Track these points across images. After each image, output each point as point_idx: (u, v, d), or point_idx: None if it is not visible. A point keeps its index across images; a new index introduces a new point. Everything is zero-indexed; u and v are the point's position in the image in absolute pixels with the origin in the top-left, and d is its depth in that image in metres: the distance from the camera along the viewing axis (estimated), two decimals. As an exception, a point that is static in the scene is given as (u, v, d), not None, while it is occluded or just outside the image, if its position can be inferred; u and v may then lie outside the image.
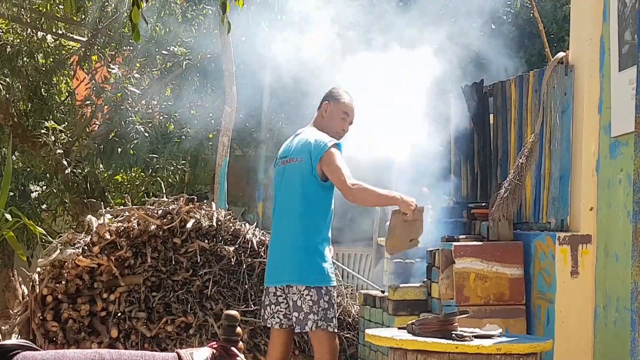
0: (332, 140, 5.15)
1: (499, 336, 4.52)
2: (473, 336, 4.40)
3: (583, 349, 5.24)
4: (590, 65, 5.39)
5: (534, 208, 5.72)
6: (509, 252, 5.47)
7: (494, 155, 6.27)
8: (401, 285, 5.97)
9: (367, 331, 4.80)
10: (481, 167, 6.39)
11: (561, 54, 5.61)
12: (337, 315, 5.22)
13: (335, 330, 5.16)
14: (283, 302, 5.21)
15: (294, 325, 5.13)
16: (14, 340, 2.46)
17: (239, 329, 2.63)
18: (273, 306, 5.23)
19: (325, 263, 5.14)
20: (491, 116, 6.40)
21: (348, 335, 6.90)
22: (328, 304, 5.08)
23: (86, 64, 11.45)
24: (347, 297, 7.18)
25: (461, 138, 6.65)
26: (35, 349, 2.47)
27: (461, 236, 5.72)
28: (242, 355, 2.58)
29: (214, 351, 2.56)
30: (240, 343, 2.63)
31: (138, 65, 11.31)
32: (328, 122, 5.28)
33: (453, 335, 4.37)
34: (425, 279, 5.98)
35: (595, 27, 5.37)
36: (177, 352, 2.52)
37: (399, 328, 4.81)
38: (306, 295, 5.09)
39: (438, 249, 5.69)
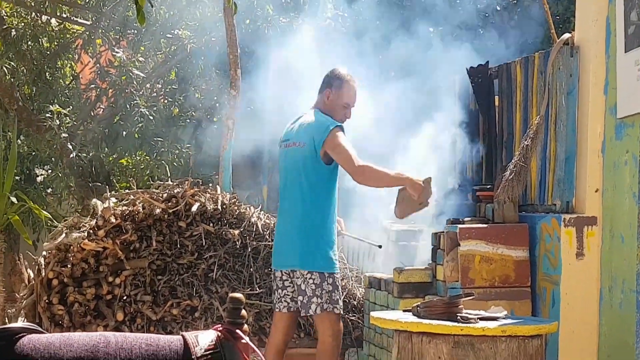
0: (335, 122, 5.14)
1: (504, 318, 4.52)
2: (478, 318, 4.41)
3: (588, 331, 5.24)
4: (596, 46, 5.36)
5: (539, 190, 5.70)
6: (514, 235, 5.45)
7: (499, 138, 6.24)
8: (406, 267, 5.96)
9: (372, 314, 4.80)
10: (486, 149, 6.37)
11: (567, 35, 5.58)
12: (342, 298, 5.24)
13: (341, 312, 5.17)
14: (289, 286, 5.24)
15: (300, 308, 5.14)
16: (20, 323, 2.47)
17: (244, 312, 2.64)
18: (280, 290, 5.26)
19: (330, 249, 5.13)
20: (496, 98, 6.37)
21: (353, 318, 6.91)
22: (332, 286, 5.09)
23: (90, 48, 11.42)
24: (352, 280, 7.19)
25: (466, 120, 6.62)
26: (40, 332, 2.47)
27: (466, 218, 5.71)
28: (247, 338, 2.58)
29: (219, 334, 2.57)
30: (245, 326, 2.63)
31: (142, 48, 11.28)
32: (330, 109, 5.27)
33: (458, 317, 4.37)
34: (430, 262, 5.97)
35: (601, 8, 5.33)
36: (182, 335, 2.52)
37: (404, 310, 4.81)
38: (309, 279, 5.09)
39: (443, 232, 5.68)
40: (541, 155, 5.66)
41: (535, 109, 5.76)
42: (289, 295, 5.24)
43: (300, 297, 5.12)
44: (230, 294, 2.64)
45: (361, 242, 6.41)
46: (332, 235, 5.21)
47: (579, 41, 5.53)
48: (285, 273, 5.21)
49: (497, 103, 6.36)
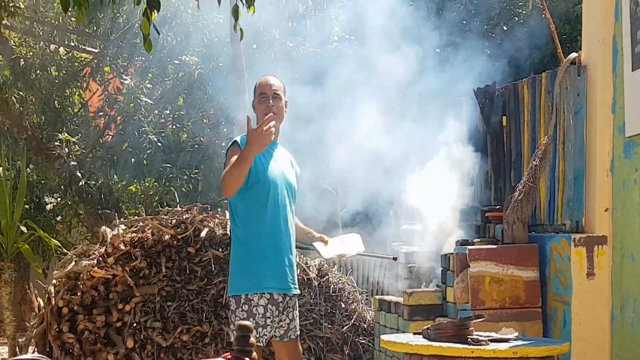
0: (233, 144, 4.82)
1: (515, 340, 4.49)
2: (489, 340, 4.37)
3: (600, 351, 5.19)
4: (603, 65, 5.35)
5: (548, 210, 5.68)
6: (524, 255, 5.42)
7: (508, 158, 6.23)
8: (416, 290, 5.94)
9: (383, 337, 4.77)
10: (495, 169, 6.35)
11: (573, 55, 5.58)
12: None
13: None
14: (284, 311, 4.98)
15: (292, 334, 4.91)
16: (29, 355, 2.47)
17: (252, 339, 2.64)
18: (283, 316, 4.97)
19: (246, 269, 4.85)
20: (504, 118, 6.36)
21: (363, 341, 6.88)
22: (245, 313, 4.76)
23: (99, 75, 11.49)
24: (362, 303, 7.16)
25: (474, 141, 6.61)
26: (50, 363, 2.47)
27: (475, 239, 5.68)
28: (255, 365, 2.58)
29: (228, 362, 2.57)
30: (254, 353, 2.63)
31: (150, 75, 11.34)
32: (257, 114, 4.97)
33: (469, 339, 4.35)
34: (440, 284, 5.94)
35: (607, 27, 5.33)
36: (191, 364, 2.53)
37: (415, 333, 4.78)
38: (296, 302, 4.97)
39: (452, 253, 5.66)
40: (550, 175, 5.64)
41: (543, 128, 5.74)
42: (284, 320, 4.89)
43: (294, 322, 4.94)
44: (238, 322, 2.63)
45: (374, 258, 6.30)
46: (243, 255, 4.83)
47: (586, 60, 5.52)
48: (289, 298, 4.94)
49: (504, 123, 6.35)
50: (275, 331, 4.80)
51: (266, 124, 4.66)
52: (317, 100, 7.64)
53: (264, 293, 4.73)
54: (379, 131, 6.52)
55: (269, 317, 4.72)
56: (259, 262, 4.74)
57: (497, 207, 5.94)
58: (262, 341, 4.72)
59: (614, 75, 5.29)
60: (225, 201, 8.99)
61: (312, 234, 5.25)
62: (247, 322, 2.71)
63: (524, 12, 10.73)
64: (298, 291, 4.94)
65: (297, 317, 4.96)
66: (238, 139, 4.86)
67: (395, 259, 5.96)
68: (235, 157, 4.69)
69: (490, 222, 5.88)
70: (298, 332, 4.94)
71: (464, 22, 10.26)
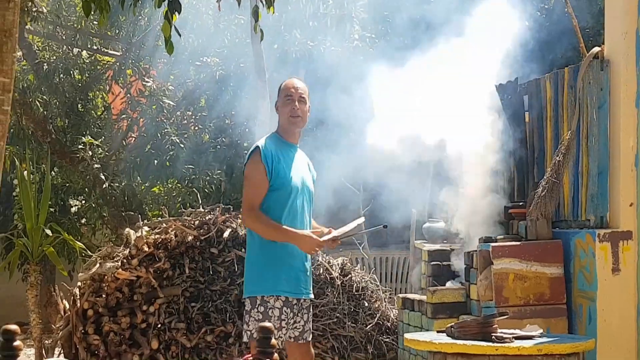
0: (254, 150, 4.85)
1: (539, 337, 4.45)
2: (513, 337, 4.34)
3: (626, 347, 5.14)
4: (626, 59, 5.31)
5: (572, 206, 5.63)
6: (548, 251, 5.38)
7: (531, 154, 6.18)
8: (440, 287, 5.91)
9: (406, 335, 4.75)
10: (517, 166, 6.31)
11: (596, 49, 5.52)
12: None
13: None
14: (298, 314, 5.01)
15: (306, 337, 4.93)
16: (54, 359, 2.48)
17: (273, 341, 2.63)
18: (297, 318, 5.00)
19: (266, 272, 4.83)
20: (526, 114, 6.32)
21: (387, 339, 6.85)
22: (261, 314, 4.76)
23: (121, 78, 11.53)
24: (385, 301, 7.13)
25: (497, 137, 6.57)
26: (73, 367, 2.48)
27: (499, 236, 5.64)
28: (276, 367, 2.58)
29: (250, 363, 2.57)
30: (275, 354, 2.62)
31: (172, 77, 11.37)
32: (280, 115, 4.98)
33: (493, 337, 4.32)
34: (464, 281, 5.91)
35: (630, 21, 5.28)
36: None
37: (438, 331, 4.76)
38: (310, 306, 4.99)
39: (476, 250, 5.62)
40: (573, 171, 5.59)
41: (566, 124, 5.69)
42: (298, 322, 4.89)
43: (309, 325, 4.96)
44: (260, 324, 2.64)
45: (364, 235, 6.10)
46: (262, 256, 4.82)
47: (608, 54, 5.47)
48: (304, 300, 4.98)
49: (527, 119, 6.31)
50: (290, 332, 4.80)
51: (323, 246, 4.87)
52: (340, 102, 7.62)
53: (279, 296, 4.74)
54: (399, 130, 6.49)
55: (284, 319, 4.72)
56: (275, 265, 4.75)
57: (521, 203, 5.90)
58: (278, 343, 4.72)
59: (637, 69, 5.25)
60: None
61: (322, 230, 5.24)
62: (268, 324, 2.71)
63: (546, 6, 10.65)
64: (312, 296, 4.96)
65: (311, 320, 4.98)
66: (260, 143, 4.84)
67: (385, 226, 5.79)
68: (266, 228, 4.72)
69: (514, 218, 5.84)
70: (311, 335, 4.95)
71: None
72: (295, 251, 4.82)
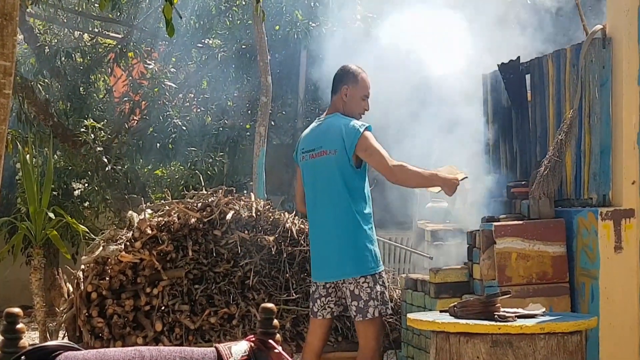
0: (363, 124, 5.11)
1: (542, 315, 4.46)
2: (516, 316, 4.35)
3: (629, 325, 5.15)
4: (628, 36, 5.28)
5: (574, 184, 5.62)
6: (550, 230, 5.38)
7: (533, 133, 6.17)
8: (442, 267, 5.91)
9: (409, 315, 4.76)
10: (520, 145, 6.30)
11: (598, 27, 5.50)
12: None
13: (390, 312, 5.23)
14: (333, 292, 5.22)
15: (355, 314, 5.10)
16: (56, 341, 2.49)
17: (276, 322, 2.65)
18: (324, 298, 5.23)
19: (376, 248, 5.14)
20: (528, 93, 6.30)
21: (390, 320, 6.86)
22: (382, 286, 5.13)
23: (123, 61, 11.52)
24: (388, 282, 7.14)
25: (499, 116, 6.56)
26: (77, 349, 2.49)
27: (501, 216, 5.64)
28: (279, 348, 2.59)
29: (252, 344, 2.58)
30: (278, 335, 2.63)
31: (174, 59, 11.35)
32: (350, 107, 5.22)
33: (496, 316, 4.33)
34: (467, 261, 5.92)
35: (632, -2, 5.25)
36: (215, 347, 2.54)
37: (441, 311, 4.77)
38: (363, 283, 5.09)
39: (478, 230, 5.62)
40: (576, 149, 5.58)
41: (569, 102, 5.68)
42: (332, 300, 5.24)
43: (355, 303, 5.08)
44: (262, 305, 2.64)
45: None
46: (372, 234, 5.20)
47: (611, 32, 5.45)
48: (330, 284, 5.20)
49: (529, 98, 6.29)
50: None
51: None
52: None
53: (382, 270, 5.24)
54: (401, 112, 6.48)
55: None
56: (375, 242, 5.22)
57: (523, 182, 5.89)
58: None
59: (639, 47, 5.22)
60: (251, 183, 9.00)
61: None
62: (270, 305, 2.70)
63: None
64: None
65: None
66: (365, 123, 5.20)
67: (431, 258, 6.22)
68: (419, 172, 5.16)
69: (516, 197, 5.84)
70: None
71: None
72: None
